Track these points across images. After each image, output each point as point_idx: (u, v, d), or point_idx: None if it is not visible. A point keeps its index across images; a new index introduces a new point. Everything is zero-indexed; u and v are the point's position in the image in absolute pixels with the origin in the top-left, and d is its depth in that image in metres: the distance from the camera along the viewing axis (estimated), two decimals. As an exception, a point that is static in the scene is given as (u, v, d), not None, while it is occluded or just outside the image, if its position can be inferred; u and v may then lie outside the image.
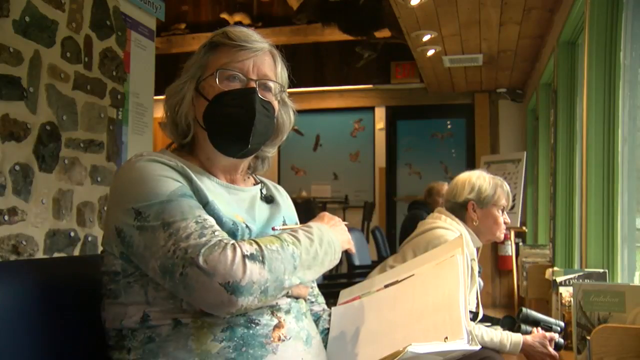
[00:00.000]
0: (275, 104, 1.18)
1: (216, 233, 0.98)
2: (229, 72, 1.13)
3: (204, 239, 0.95)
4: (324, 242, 1.08)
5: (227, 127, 1.13)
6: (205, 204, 1.05)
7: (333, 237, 1.11)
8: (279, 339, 1.03)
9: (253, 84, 1.13)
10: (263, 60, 1.15)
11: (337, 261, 1.12)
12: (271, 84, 1.16)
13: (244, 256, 0.94)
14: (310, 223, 1.13)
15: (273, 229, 1.15)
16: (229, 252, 0.94)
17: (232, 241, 0.97)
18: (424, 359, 0.91)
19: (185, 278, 0.94)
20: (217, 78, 1.12)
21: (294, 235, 1.05)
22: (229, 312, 0.96)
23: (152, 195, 1.00)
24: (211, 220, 1.01)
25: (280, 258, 0.98)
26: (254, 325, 1.02)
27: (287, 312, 1.08)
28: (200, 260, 0.93)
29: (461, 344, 0.92)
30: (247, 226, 1.10)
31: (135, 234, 1.00)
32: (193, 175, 1.08)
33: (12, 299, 0.98)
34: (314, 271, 1.06)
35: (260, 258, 0.96)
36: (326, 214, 1.20)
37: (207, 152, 1.16)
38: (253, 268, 0.94)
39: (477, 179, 2.14)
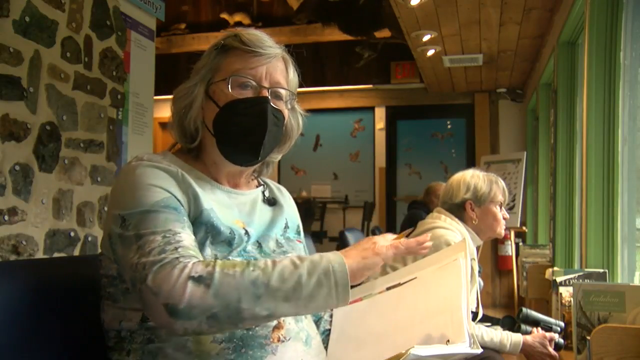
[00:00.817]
0: (286, 111, 1.17)
1: (179, 250, 0.94)
2: (241, 79, 1.10)
3: (162, 255, 0.92)
4: (317, 271, 0.92)
5: (238, 137, 1.11)
6: (200, 213, 1.04)
7: (337, 266, 0.93)
8: (278, 340, 1.03)
9: (265, 93, 1.11)
10: (275, 67, 1.13)
11: (342, 297, 0.93)
12: (282, 92, 1.14)
13: (189, 277, 0.89)
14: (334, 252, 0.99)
15: None
16: (176, 272, 0.89)
17: (189, 260, 0.92)
18: None
19: (141, 294, 0.92)
20: (230, 85, 1.10)
21: (274, 261, 0.94)
22: (174, 334, 0.94)
23: (137, 204, 1.00)
24: (181, 236, 0.97)
25: (234, 284, 0.89)
26: (253, 326, 1.01)
27: (287, 313, 1.08)
28: (150, 278, 0.90)
29: (463, 347, 0.92)
30: (246, 232, 1.09)
31: (118, 242, 1.00)
32: (192, 182, 1.07)
33: (12, 299, 0.98)
34: (296, 305, 0.92)
35: (208, 282, 0.89)
36: (372, 238, 1.02)
37: (214, 157, 1.15)
38: (195, 291, 0.88)
39: (472, 177, 2.14)
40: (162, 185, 1.03)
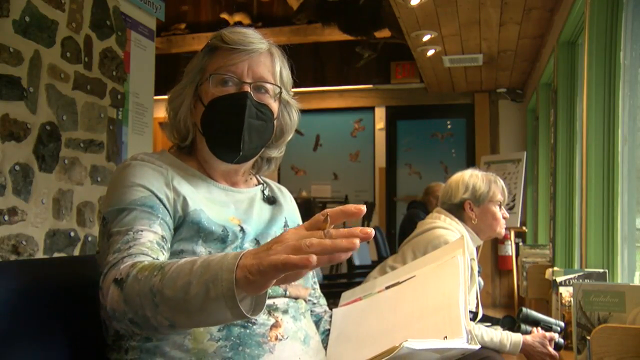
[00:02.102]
0: (274, 105, 1.16)
1: (131, 249, 0.95)
2: (222, 76, 1.12)
3: (115, 255, 0.95)
4: (205, 276, 0.77)
5: (221, 134, 1.13)
6: (188, 213, 1.05)
7: (225, 273, 0.75)
8: (276, 339, 1.03)
9: (246, 88, 1.11)
10: (259, 61, 1.13)
11: (228, 306, 0.75)
12: (268, 86, 1.14)
13: (113, 280, 0.89)
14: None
15: None
16: (109, 274, 0.92)
17: (125, 263, 0.91)
18: (421, 357, 0.91)
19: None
20: (211, 83, 1.12)
21: (178, 263, 0.84)
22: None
23: (115, 203, 1.03)
24: (142, 234, 0.97)
25: (137, 290, 0.84)
26: (250, 325, 1.02)
27: (285, 311, 1.08)
28: (101, 279, 0.94)
29: (460, 343, 0.92)
30: (241, 229, 1.10)
31: (100, 240, 1.05)
32: (183, 182, 1.09)
33: (12, 299, 0.98)
34: (187, 315, 0.80)
35: (122, 285, 0.87)
36: (283, 235, 0.76)
37: (205, 156, 1.17)
38: (113, 295, 0.88)
39: (470, 177, 2.14)
40: (144, 183, 1.04)
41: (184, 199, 1.06)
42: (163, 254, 0.99)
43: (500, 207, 2.13)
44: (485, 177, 2.14)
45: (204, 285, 0.76)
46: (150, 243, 0.97)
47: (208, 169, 1.17)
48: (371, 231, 0.72)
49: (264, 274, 0.71)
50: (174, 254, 1.04)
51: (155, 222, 1.01)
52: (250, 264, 0.73)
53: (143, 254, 0.94)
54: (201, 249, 1.04)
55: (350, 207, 0.76)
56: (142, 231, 0.98)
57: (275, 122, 1.18)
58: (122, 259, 0.93)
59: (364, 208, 0.76)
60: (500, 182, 2.16)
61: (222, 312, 0.77)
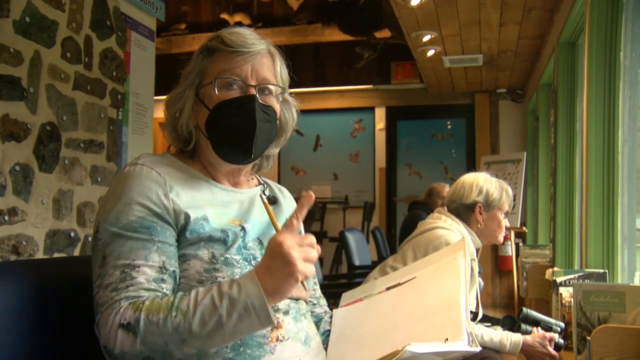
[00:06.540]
0: (277, 106, 1.17)
1: (129, 289, 0.97)
2: (227, 79, 1.11)
3: (112, 294, 0.97)
4: (236, 309, 0.92)
5: (230, 138, 1.12)
6: (189, 223, 1.05)
7: (256, 300, 0.92)
8: (277, 339, 1.03)
9: (252, 91, 1.11)
10: (261, 63, 1.13)
11: (266, 323, 0.94)
12: (271, 87, 1.15)
13: (119, 325, 0.94)
14: (243, 278, 0.96)
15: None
16: (112, 317, 0.95)
17: (124, 304, 0.96)
18: None
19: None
20: (216, 87, 1.11)
21: (195, 301, 0.94)
22: None
23: (111, 221, 1.02)
24: (139, 270, 0.99)
25: (158, 332, 0.93)
26: None
27: (286, 312, 1.08)
28: (97, 317, 0.98)
29: (461, 345, 0.92)
30: (242, 228, 1.10)
31: (91, 247, 1.05)
32: (183, 188, 1.08)
33: (12, 299, 0.98)
34: (222, 340, 0.95)
35: (134, 330, 0.93)
36: (285, 243, 0.93)
37: (210, 158, 1.16)
38: (124, 339, 0.93)
39: (485, 182, 2.16)
40: (141, 200, 1.03)
41: (185, 212, 1.05)
42: (162, 287, 1.00)
43: (505, 216, 2.17)
44: (498, 184, 2.18)
45: (237, 315, 0.92)
46: (148, 282, 0.98)
47: (212, 170, 1.17)
48: (310, 194, 1.01)
49: (288, 290, 0.95)
50: (178, 257, 1.05)
51: (152, 249, 1.01)
52: (276, 289, 0.93)
53: (138, 296, 0.97)
54: (204, 251, 1.05)
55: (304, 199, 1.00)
56: (138, 267, 0.99)
57: (277, 122, 1.18)
58: (119, 301, 0.96)
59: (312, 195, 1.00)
60: (510, 193, 2.20)
61: (255, 328, 0.95)
